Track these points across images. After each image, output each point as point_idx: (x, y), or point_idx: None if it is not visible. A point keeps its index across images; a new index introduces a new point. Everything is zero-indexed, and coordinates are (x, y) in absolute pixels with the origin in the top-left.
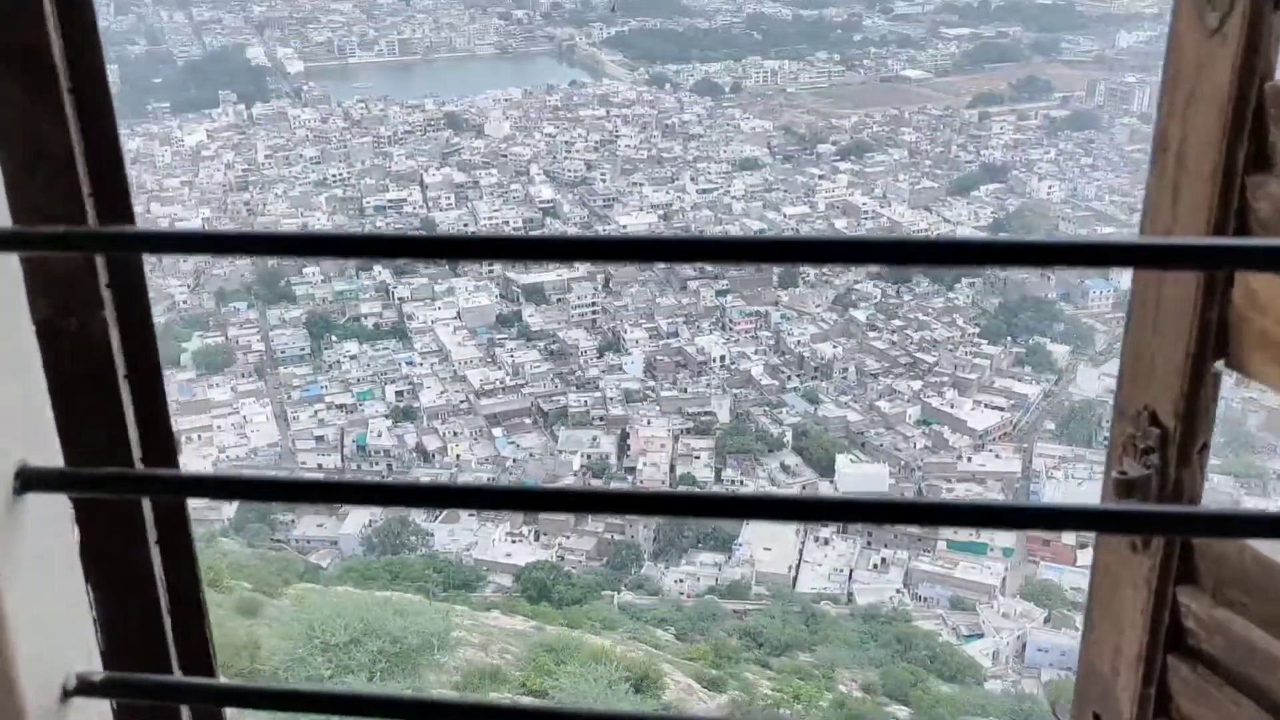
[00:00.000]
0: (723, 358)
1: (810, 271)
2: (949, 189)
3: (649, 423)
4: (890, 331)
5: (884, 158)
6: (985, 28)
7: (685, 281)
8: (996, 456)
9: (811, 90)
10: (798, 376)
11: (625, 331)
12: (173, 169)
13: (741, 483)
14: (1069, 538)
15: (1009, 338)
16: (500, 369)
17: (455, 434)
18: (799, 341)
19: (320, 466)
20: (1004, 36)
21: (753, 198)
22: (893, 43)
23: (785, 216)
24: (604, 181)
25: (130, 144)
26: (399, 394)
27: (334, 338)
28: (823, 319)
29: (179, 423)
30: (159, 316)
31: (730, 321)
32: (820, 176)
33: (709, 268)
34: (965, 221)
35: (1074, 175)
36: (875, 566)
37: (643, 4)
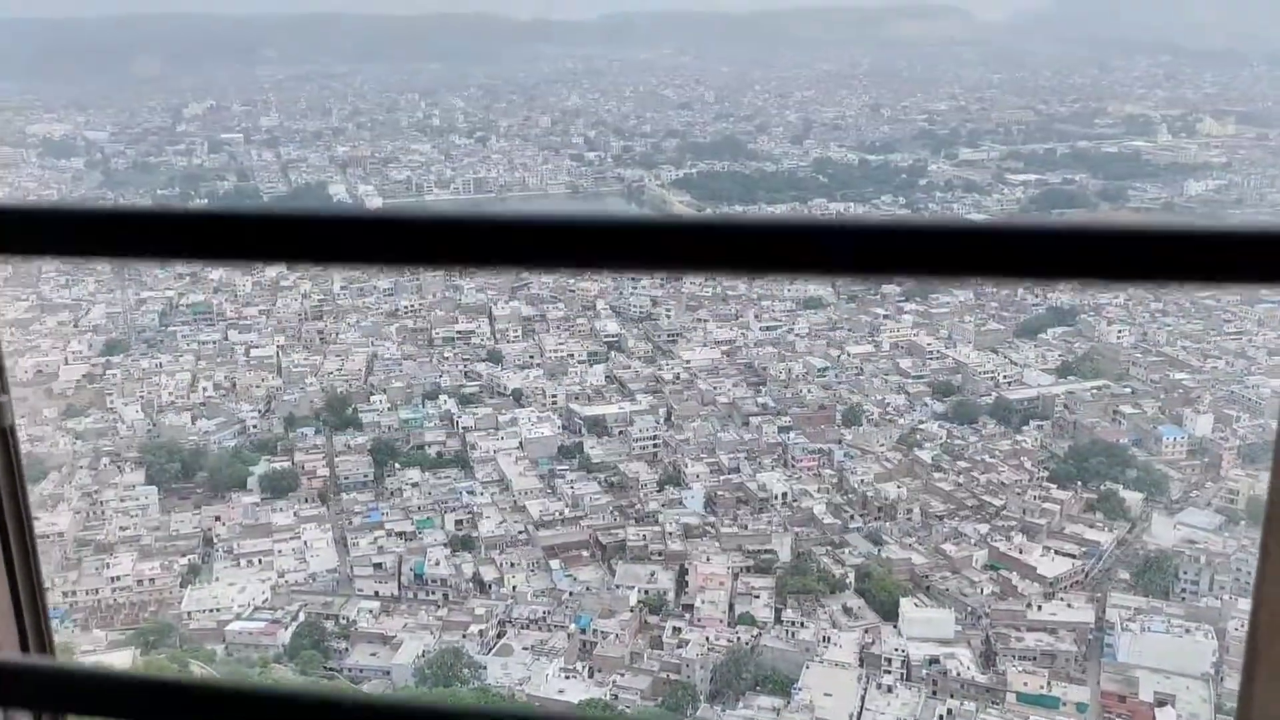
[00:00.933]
0: (784, 495)
1: (874, 410)
2: (1015, 331)
3: (708, 559)
4: (956, 473)
5: (949, 299)
6: (1051, 175)
7: (748, 417)
8: (1068, 605)
9: None
10: (861, 516)
11: (686, 466)
12: (252, 298)
13: (803, 624)
14: (1147, 695)
15: (1079, 482)
16: (560, 500)
17: (512, 564)
18: (863, 480)
19: (377, 594)
20: (1070, 183)
21: (816, 336)
22: (958, 187)
23: (849, 355)
24: (669, 317)
25: (214, 274)
26: (458, 523)
27: (397, 465)
28: (887, 458)
29: (240, 545)
30: (229, 440)
31: (793, 458)
32: (885, 316)
33: (771, 404)
34: (1033, 364)
35: (1144, 320)
36: (941, 718)
37: (710, 147)
